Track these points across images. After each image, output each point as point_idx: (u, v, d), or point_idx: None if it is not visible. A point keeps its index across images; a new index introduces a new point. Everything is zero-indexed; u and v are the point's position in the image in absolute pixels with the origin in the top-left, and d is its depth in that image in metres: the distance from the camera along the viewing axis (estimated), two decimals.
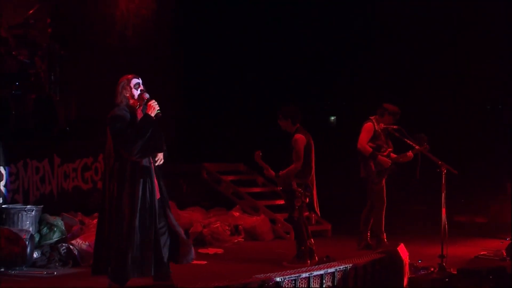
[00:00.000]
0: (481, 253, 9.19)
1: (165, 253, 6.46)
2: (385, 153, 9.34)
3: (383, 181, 9.44)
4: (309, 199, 8.44)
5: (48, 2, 11.94)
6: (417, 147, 8.86)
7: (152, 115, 6.53)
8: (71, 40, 11.79)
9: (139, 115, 6.64)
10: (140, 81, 6.73)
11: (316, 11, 14.77)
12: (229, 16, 14.30)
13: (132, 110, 6.63)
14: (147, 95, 6.64)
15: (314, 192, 8.59)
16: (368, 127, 9.36)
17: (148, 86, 6.87)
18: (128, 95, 6.63)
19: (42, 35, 10.95)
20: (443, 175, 8.19)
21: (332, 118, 16.11)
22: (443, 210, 8.36)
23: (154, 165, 6.69)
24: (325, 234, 11.18)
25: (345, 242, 10.07)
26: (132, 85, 6.65)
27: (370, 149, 9.25)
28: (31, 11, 10.77)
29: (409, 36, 14.50)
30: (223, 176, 11.89)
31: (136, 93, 6.64)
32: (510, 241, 9.11)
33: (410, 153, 9.19)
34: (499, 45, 13.64)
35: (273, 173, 8.51)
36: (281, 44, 14.78)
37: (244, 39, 14.55)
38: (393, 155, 9.35)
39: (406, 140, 8.94)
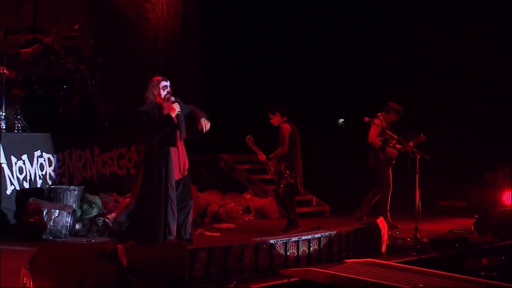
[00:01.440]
0: (453, 228, 9.36)
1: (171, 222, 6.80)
2: (391, 145, 9.38)
3: (390, 169, 9.49)
4: (293, 180, 8.59)
5: (90, 18, 12.18)
6: (417, 140, 9.00)
7: (173, 115, 6.78)
8: (110, 50, 11.93)
9: (165, 110, 6.86)
10: (168, 83, 6.96)
11: (329, 21, 14.46)
12: (244, 28, 14.22)
13: (158, 106, 6.87)
14: (172, 98, 6.87)
15: (300, 174, 8.72)
16: (376, 123, 9.40)
17: (174, 87, 7.04)
18: (156, 93, 6.91)
19: (86, 46, 11.04)
20: (417, 160, 8.45)
21: (340, 120, 16.06)
22: (417, 191, 8.59)
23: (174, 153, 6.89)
24: (324, 215, 11.36)
25: (340, 220, 10.06)
26: (161, 86, 6.93)
27: (380, 142, 9.31)
28: (76, 26, 10.88)
29: (412, 45, 14.13)
30: (238, 165, 12.07)
31: (163, 93, 6.90)
32: (476, 218, 9.29)
33: (411, 143, 9.05)
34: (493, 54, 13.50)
35: (264, 156, 8.73)
36: (295, 53, 14.49)
37: (259, 47, 14.37)
38: (398, 146, 9.35)
39: (386, 131, 9.21)
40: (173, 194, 6.85)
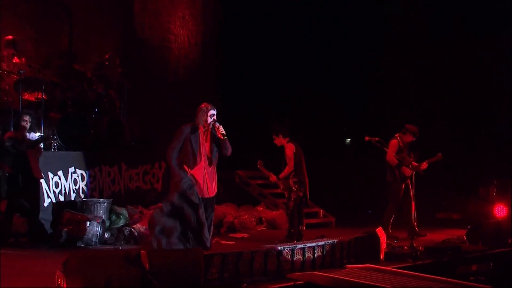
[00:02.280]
0: (447, 238, 9.27)
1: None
2: (407, 163, 9.29)
3: (403, 185, 9.32)
4: (302, 193, 8.61)
5: (119, 47, 12.38)
6: (433, 159, 9.19)
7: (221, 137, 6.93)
8: (136, 76, 11.98)
9: (201, 136, 6.93)
10: (215, 112, 6.99)
11: (337, 48, 14.41)
12: (256, 55, 14.15)
13: (196, 128, 6.93)
14: (217, 124, 6.96)
15: (307, 187, 8.73)
16: (394, 143, 9.40)
17: (194, 109, 7.10)
18: (203, 119, 6.96)
19: (114, 73, 11.16)
20: (413, 176, 8.58)
21: (347, 140, 16.00)
22: (413, 203, 8.73)
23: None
24: (330, 226, 11.27)
25: (344, 230, 9.94)
26: (209, 114, 6.98)
27: (396, 161, 9.24)
28: (106, 56, 11.13)
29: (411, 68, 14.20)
30: (251, 180, 12.02)
31: (210, 120, 6.96)
32: (469, 228, 9.26)
33: (425, 164, 9.22)
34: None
35: (274, 177, 8.74)
36: (305, 78, 14.40)
37: (271, 72, 14.26)
38: (415, 164, 9.25)
39: (384, 148, 9.21)
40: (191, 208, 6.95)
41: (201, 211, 7.06)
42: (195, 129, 6.96)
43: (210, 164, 7.08)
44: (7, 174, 7.96)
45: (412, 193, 9.25)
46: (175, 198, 6.98)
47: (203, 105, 7.05)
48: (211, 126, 6.98)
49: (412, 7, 14.46)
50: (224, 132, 6.94)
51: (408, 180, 9.32)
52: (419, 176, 9.27)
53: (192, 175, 6.99)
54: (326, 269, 6.80)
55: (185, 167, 7.00)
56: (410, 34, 14.44)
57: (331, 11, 14.49)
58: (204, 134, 7.02)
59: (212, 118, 6.97)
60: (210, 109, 6.97)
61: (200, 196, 6.99)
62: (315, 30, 14.51)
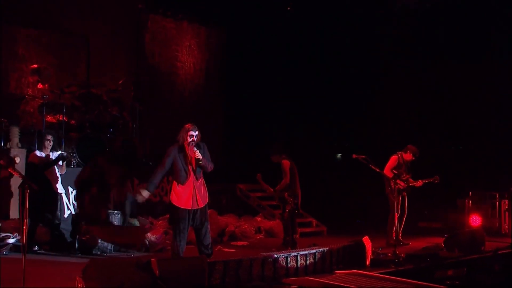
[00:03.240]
0: (427, 245, 9.32)
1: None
2: (404, 178, 9.30)
3: (399, 197, 9.15)
4: (295, 205, 8.67)
5: (131, 73, 12.45)
6: (430, 179, 9.35)
7: (193, 157, 6.83)
8: (146, 99, 12.03)
9: (187, 154, 6.87)
10: (195, 133, 6.88)
11: (331, 76, 14.48)
12: (255, 79, 14.25)
13: (182, 148, 6.93)
14: (196, 152, 6.85)
15: (299, 199, 8.80)
16: (394, 159, 9.46)
17: (198, 127, 6.94)
18: (184, 137, 6.91)
19: (127, 97, 11.20)
20: (395, 189, 8.70)
21: (338, 155, 16.05)
22: (396, 215, 8.76)
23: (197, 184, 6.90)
24: (322, 234, 11.27)
25: (334, 238, 9.94)
26: (189, 133, 6.88)
27: (391, 174, 9.18)
28: (120, 81, 11.15)
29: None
30: (251, 193, 11.97)
31: (189, 140, 6.87)
32: (446, 237, 9.29)
33: (420, 182, 9.32)
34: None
35: (272, 190, 8.80)
36: (301, 101, 14.53)
37: (270, 94, 14.35)
38: (411, 180, 9.35)
39: (370, 166, 8.97)
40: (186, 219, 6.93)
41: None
42: (181, 149, 6.93)
43: (197, 178, 7.00)
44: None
45: (406, 206, 9.33)
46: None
47: (186, 125, 6.96)
48: (189, 146, 6.91)
49: (400, 29, 14.56)
50: (199, 156, 6.82)
51: (405, 193, 9.38)
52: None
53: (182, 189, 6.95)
54: (317, 274, 6.88)
55: (175, 183, 6.99)
56: (398, 55, 14.53)
57: (324, 37, 14.69)
58: (188, 151, 6.95)
59: (191, 138, 6.84)
60: (191, 130, 6.87)
61: (190, 208, 6.92)
62: (309, 55, 14.67)
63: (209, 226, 7.20)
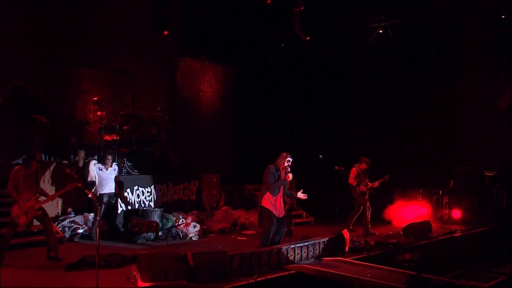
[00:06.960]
0: (389, 233, 9.22)
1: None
2: (363, 183, 9.18)
3: (365, 197, 9.18)
4: (291, 204, 8.22)
5: (166, 101, 12.35)
6: (382, 180, 9.02)
7: (288, 180, 6.74)
8: (177, 122, 11.80)
9: (282, 173, 6.73)
10: (291, 159, 6.62)
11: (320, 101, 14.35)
12: (261, 102, 14.09)
13: (278, 169, 6.73)
14: (290, 172, 6.62)
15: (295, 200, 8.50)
16: (353, 170, 9.25)
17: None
18: (281, 162, 6.72)
19: (163, 120, 11.10)
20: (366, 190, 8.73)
21: (320, 156, 15.65)
22: (369, 211, 8.74)
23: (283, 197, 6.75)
24: (310, 224, 11.00)
25: (321, 228, 9.83)
26: (285, 160, 6.66)
27: (355, 182, 9.13)
28: (158, 108, 11.02)
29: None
30: (257, 192, 11.16)
31: (286, 164, 6.69)
32: (404, 226, 9.12)
33: (377, 183, 9.12)
34: None
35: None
36: (295, 117, 14.45)
37: (273, 112, 14.17)
38: (370, 183, 9.19)
39: (347, 174, 9.17)
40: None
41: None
42: (277, 169, 6.71)
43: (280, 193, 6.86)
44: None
45: (368, 203, 9.26)
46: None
47: (283, 153, 6.71)
48: (283, 170, 6.67)
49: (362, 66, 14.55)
50: (290, 179, 6.66)
51: (368, 195, 9.28)
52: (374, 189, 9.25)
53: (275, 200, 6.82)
54: (309, 261, 6.84)
55: (269, 194, 6.79)
56: (363, 84, 14.50)
57: (310, 72, 14.73)
58: (282, 173, 6.80)
59: (288, 163, 6.59)
60: (287, 157, 6.65)
61: (278, 216, 6.74)
62: (299, 84, 14.65)
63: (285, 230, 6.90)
